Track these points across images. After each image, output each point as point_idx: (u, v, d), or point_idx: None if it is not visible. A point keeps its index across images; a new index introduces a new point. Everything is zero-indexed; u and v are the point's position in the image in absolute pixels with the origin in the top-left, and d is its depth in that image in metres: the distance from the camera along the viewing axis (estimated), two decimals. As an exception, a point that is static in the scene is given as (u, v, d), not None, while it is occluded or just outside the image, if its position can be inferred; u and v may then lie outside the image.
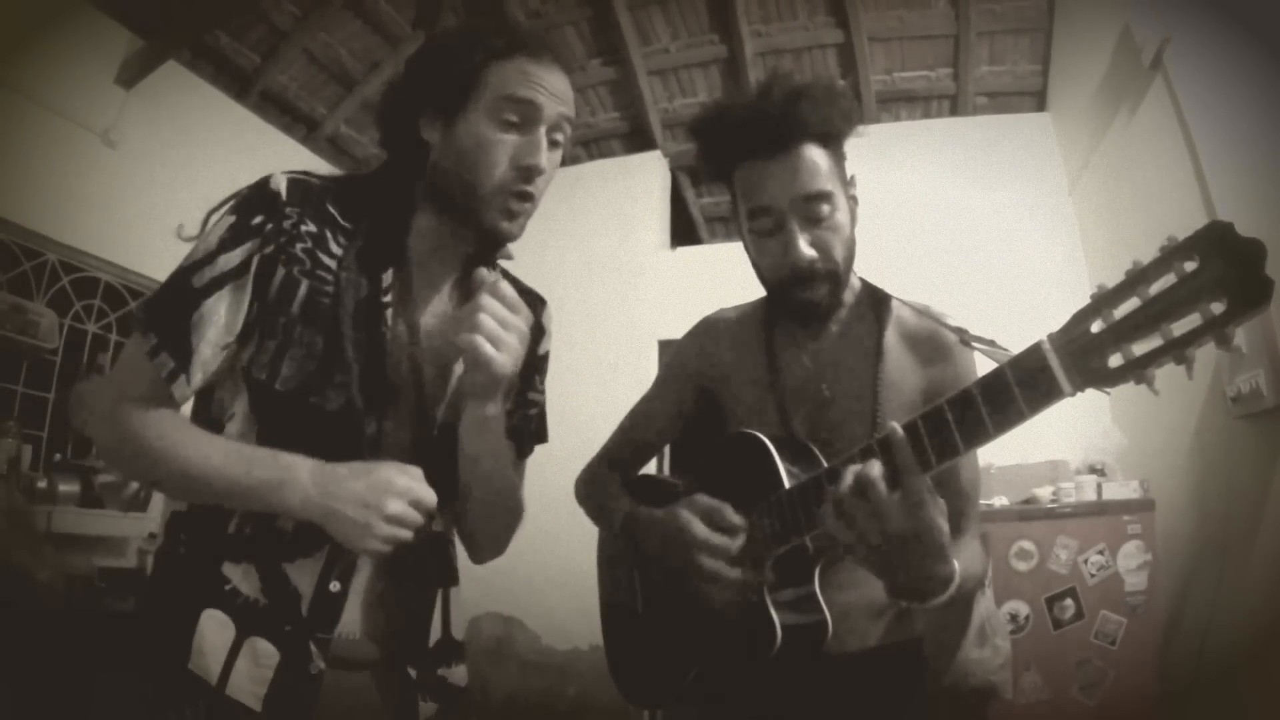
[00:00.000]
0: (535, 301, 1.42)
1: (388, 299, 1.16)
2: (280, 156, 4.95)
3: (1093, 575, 3.16)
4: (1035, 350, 0.90)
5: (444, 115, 1.18)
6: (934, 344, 1.46)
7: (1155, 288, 0.81)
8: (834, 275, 1.39)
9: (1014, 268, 4.39)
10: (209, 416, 1.13)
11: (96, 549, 3.51)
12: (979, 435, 0.97)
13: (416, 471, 1.06)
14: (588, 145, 5.90)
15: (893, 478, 1.02)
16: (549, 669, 4.55)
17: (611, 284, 5.32)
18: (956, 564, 1.11)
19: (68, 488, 3.46)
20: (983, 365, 1.08)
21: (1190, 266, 0.79)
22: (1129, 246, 3.73)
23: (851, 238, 1.43)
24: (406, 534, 1.03)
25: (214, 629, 1.05)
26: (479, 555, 1.37)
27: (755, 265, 1.46)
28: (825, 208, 1.36)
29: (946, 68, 5.08)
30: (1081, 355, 0.86)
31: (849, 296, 1.51)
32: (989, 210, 4.64)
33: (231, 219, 1.10)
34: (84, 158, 3.82)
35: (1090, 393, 0.88)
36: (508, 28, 1.22)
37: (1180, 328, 0.79)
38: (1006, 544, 3.25)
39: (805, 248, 1.35)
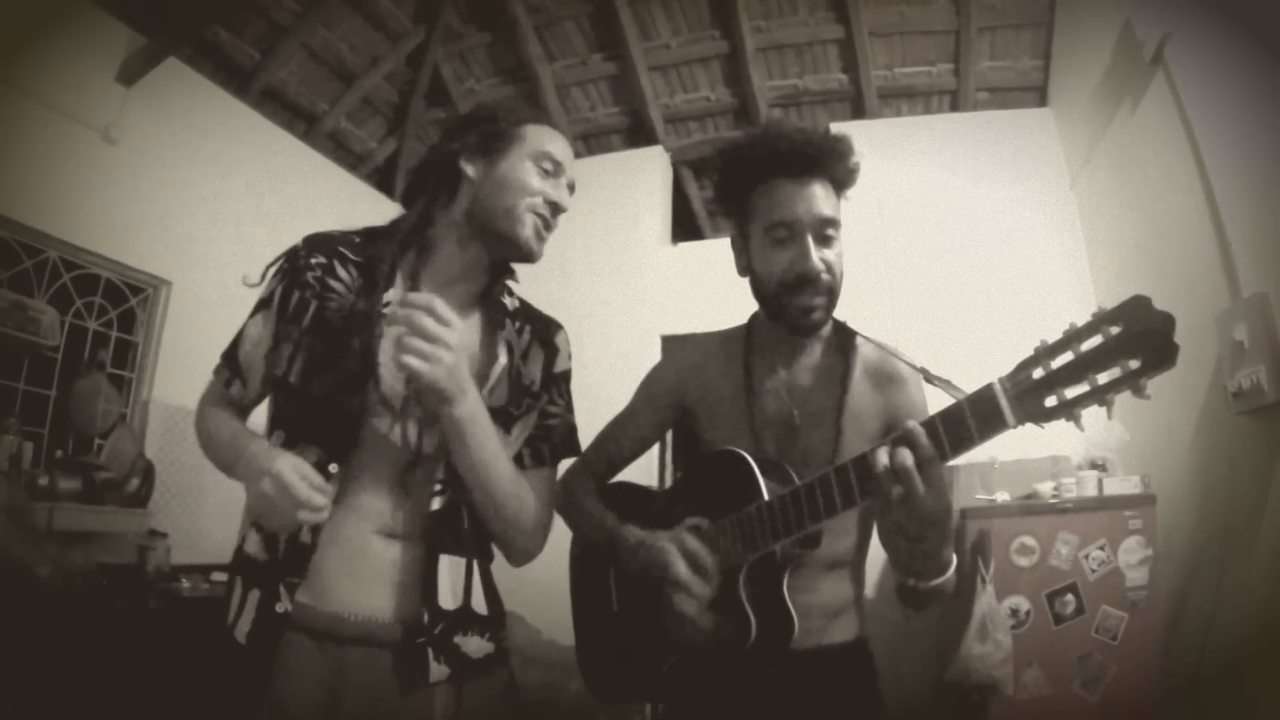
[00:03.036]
0: (551, 326, 1.63)
1: (384, 310, 1.37)
2: (281, 152, 4.96)
3: (1094, 570, 3.17)
4: (988, 390, 1.09)
5: (485, 154, 1.45)
6: (889, 374, 1.62)
7: (1086, 345, 1.01)
8: (832, 291, 1.54)
9: (1015, 263, 4.39)
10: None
11: (97, 545, 3.52)
12: (938, 455, 1.14)
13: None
14: (588, 140, 5.90)
15: (919, 468, 1.15)
16: (551, 664, 4.55)
17: (613, 280, 5.33)
18: (953, 555, 1.31)
19: (69, 484, 3.47)
20: (931, 394, 1.30)
21: (1115, 330, 0.98)
22: (1130, 242, 3.74)
23: (843, 274, 1.57)
24: (290, 503, 1.15)
25: (249, 595, 1.30)
26: (509, 558, 1.53)
27: (759, 276, 1.59)
28: (833, 233, 1.53)
29: (948, 63, 5.08)
30: (1024, 396, 1.06)
31: (824, 331, 1.65)
32: (990, 206, 4.64)
33: (272, 269, 1.43)
34: (85, 155, 3.82)
35: None
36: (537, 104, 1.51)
37: (1104, 378, 0.99)
38: (1008, 539, 3.25)
39: (817, 259, 1.49)
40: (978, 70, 5.03)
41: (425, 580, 1.36)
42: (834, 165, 1.54)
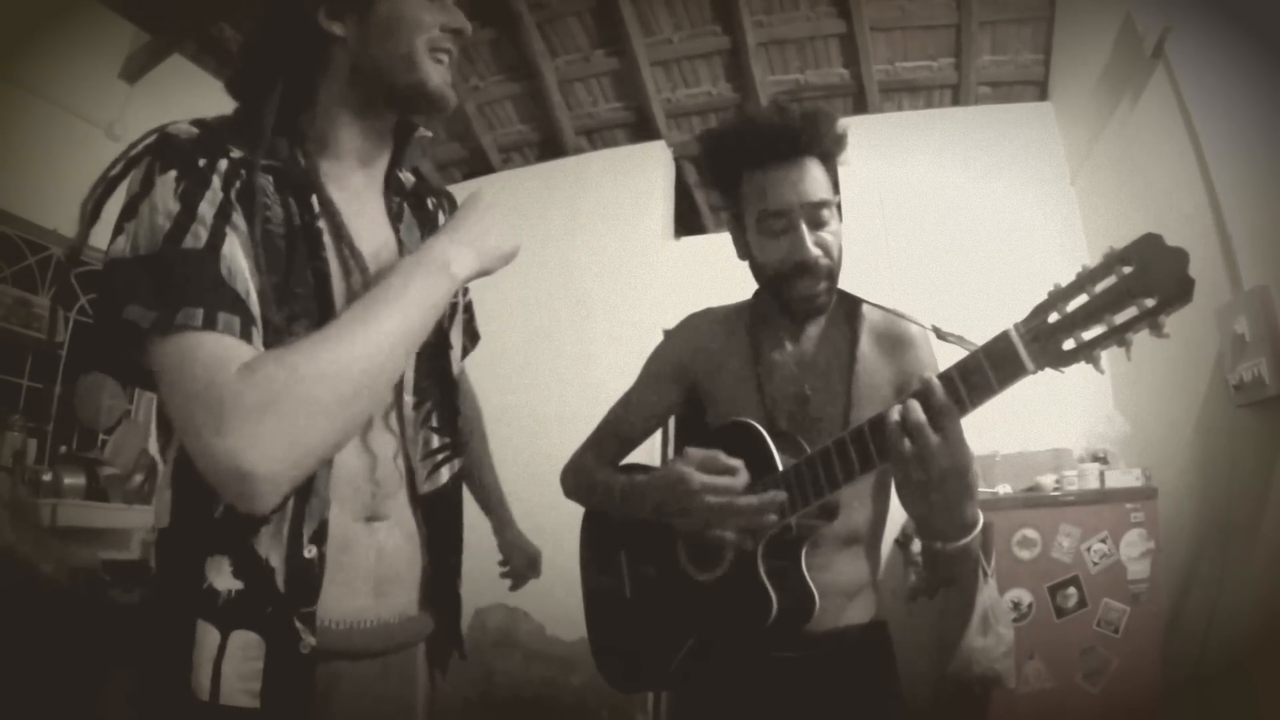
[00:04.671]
0: (448, 198, 1.43)
1: (320, 224, 1.09)
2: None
3: (1095, 563, 3.17)
4: (1004, 337, 1.08)
5: (351, 4, 1.13)
6: (897, 338, 1.61)
7: (1100, 286, 1.00)
8: (831, 274, 1.55)
9: (1016, 257, 4.38)
10: None
11: (101, 542, 3.53)
12: (957, 408, 1.13)
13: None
14: (591, 135, 5.89)
15: (933, 422, 1.14)
16: (554, 659, 4.56)
17: (616, 274, 5.32)
18: (979, 512, 1.24)
19: (72, 480, 3.48)
20: (941, 355, 1.27)
21: (1128, 270, 0.98)
22: (1131, 235, 3.72)
23: (842, 246, 1.57)
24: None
25: (207, 639, 0.96)
26: None
27: (758, 264, 1.60)
28: (827, 213, 1.53)
29: (949, 57, 5.07)
30: (1041, 340, 1.05)
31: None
32: (991, 199, 4.63)
33: (172, 173, 0.97)
34: (88, 152, 3.82)
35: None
36: None
37: (1120, 318, 0.98)
38: (1009, 532, 3.25)
39: (812, 246, 1.50)
40: (979, 65, 5.02)
41: (440, 566, 1.20)
42: (818, 142, 1.53)
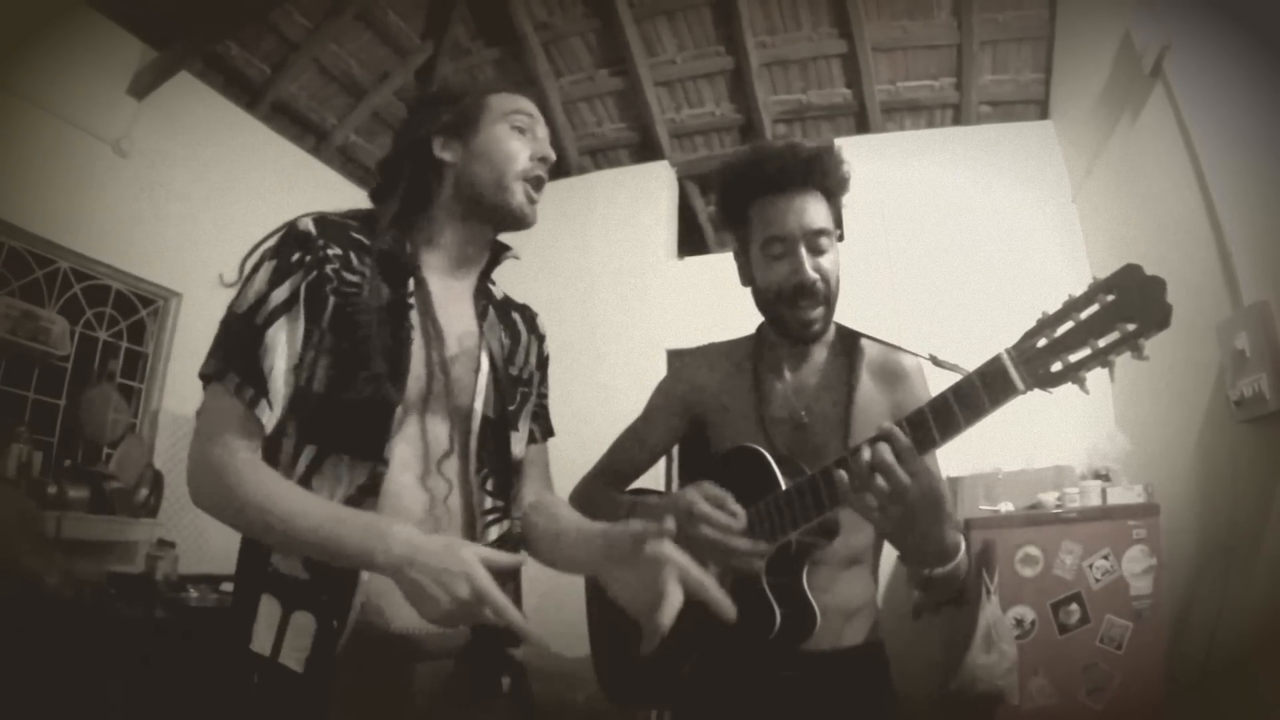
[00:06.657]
0: (532, 311, 1.64)
1: (411, 301, 1.32)
2: (290, 166, 5.00)
3: (1098, 580, 3.17)
4: (996, 360, 1.15)
5: (459, 136, 1.43)
6: (894, 371, 1.69)
7: (1085, 313, 1.09)
8: (828, 299, 1.62)
9: (1018, 274, 4.40)
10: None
11: (106, 554, 3.54)
12: (952, 427, 1.19)
13: (484, 559, 1.11)
14: (595, 155, 5.94)
15: (899, 458, 1.20)
16: (558, 676, 4.53)
17: (619, 293, 5.34)
18: (960, 537, 1.35)
19: (77, 493, 3.49)
20: (939, 381, 1.32)
21: (1110, 297, 1.07)
22: (1132, 251, 3.75)
23: (839, 278, 1.65)
24: (457, 621, 1.09)
25: (269, 610, 1.19)
26: None
27: (759, 287, 1.68)
28: (825, 242, 1.61)
29: (950, 77, 5.12)
30: (1031, 362, 1.12)
31: (827, 335, 1.71)
32: (993, 217, 4.66)
33: (274, 262, 1.25)
34: (96, 167, 3.86)
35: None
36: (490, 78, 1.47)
37: (1104, 342, 1.06)
38: (1012, 549, 3.25)
39: (810, 270, 1.58)
40: (980, 84, 5.06)
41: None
42: (822, 178, 1.62)
